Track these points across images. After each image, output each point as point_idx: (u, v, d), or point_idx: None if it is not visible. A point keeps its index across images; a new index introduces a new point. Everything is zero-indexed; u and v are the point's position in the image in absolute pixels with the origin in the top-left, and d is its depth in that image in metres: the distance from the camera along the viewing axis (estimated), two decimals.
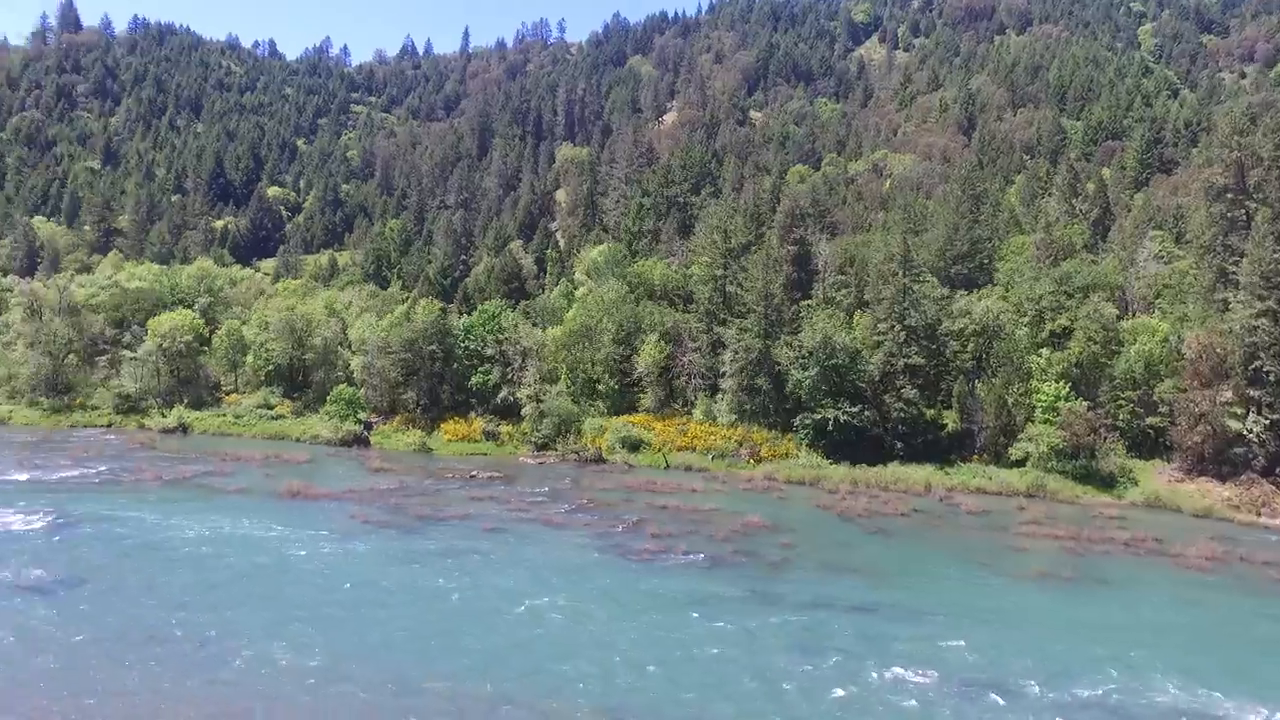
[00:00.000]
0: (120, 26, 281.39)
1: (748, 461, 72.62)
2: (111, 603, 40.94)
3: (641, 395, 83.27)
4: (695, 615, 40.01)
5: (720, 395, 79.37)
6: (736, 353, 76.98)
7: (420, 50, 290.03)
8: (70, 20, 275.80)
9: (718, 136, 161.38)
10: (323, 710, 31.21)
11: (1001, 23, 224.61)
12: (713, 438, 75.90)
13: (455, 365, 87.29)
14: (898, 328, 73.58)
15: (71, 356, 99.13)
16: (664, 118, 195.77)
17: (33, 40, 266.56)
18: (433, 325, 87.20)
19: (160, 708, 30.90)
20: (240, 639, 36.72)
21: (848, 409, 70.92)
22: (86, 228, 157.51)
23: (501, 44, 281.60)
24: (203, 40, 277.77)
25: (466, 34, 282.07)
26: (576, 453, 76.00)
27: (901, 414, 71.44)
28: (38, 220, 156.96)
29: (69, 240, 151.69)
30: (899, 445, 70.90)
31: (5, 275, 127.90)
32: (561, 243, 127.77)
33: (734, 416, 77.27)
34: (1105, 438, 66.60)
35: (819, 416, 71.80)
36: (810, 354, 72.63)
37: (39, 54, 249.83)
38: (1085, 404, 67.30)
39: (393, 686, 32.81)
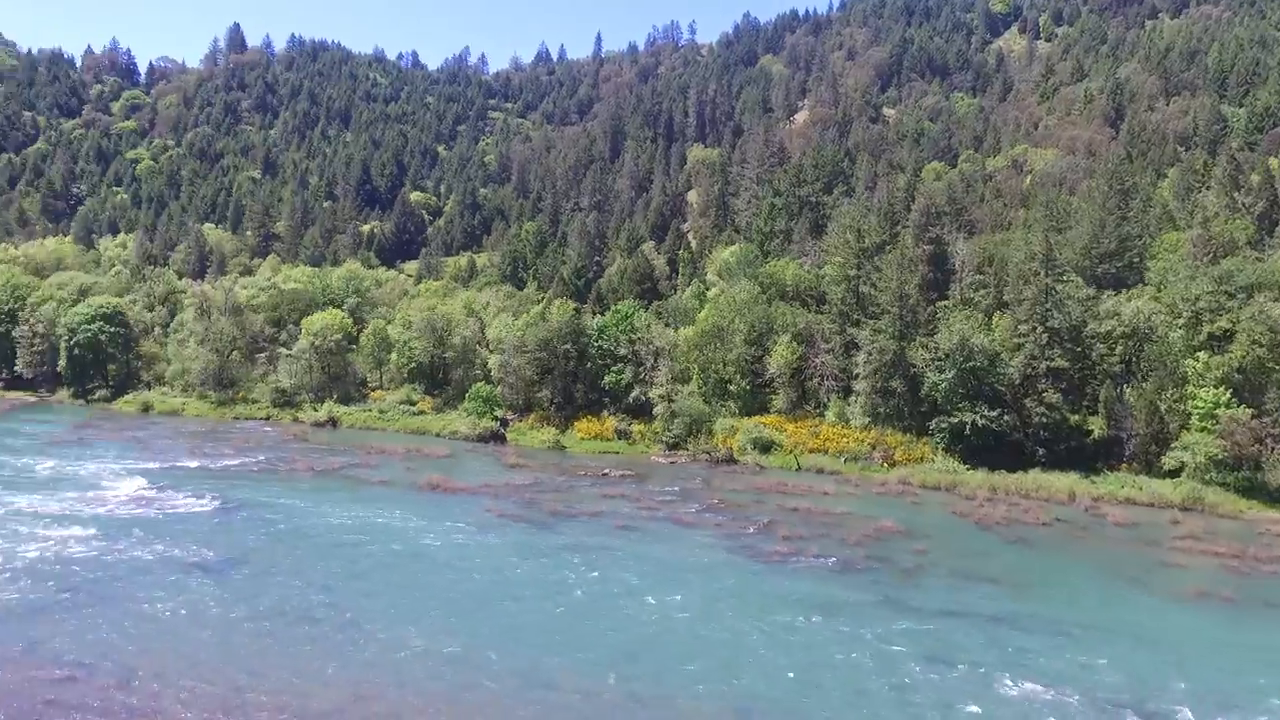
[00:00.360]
0: (280, 46, 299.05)
1: (881, 465, 71.47)
2: (265, 583, 43.76)
3: (773, 396, 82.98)
4: (825, 619, 39.81)
5: (853, 397, 78.33)
6: (870, 354, 75.81)
7: (554, 56, 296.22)
8: (237, 43, 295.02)
9: (850, 134, 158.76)
10: (455, 696, 32.32)
11: (1154, 6, 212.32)
12: (845, 440, 75.02)
13: (589, 364, 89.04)
14: (1039, 329, 70.98)
15: (235, 353, 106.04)
16: (795, 117, 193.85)
17: (205, 63, 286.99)
18: (567, 325, 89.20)
19: (305, 686, 32.62)
20: (379, 624, 38.60)
21: (986, 413, 68.88)
22: (249, 233, 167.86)
23: (633, 47, 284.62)
24: (352, 54, 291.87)
25: (599, 39, 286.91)
26: (707, 453, 76.44)
27: (1043, 419, 68.90)
28: (207, 227, 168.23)
29: (234, 245, 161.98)
30: (1040, 451, 68.39)
31: (180, 278, 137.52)
32: (693, 243, 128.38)
33: (867, 419, 76.13)
34: (1273, 448, 62.36)
35: (956, 420, 69.99)
36: (947, 356, 70.86)
37: (210, 75, 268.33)
38: (1249, 412, 63.15)
39: (522, 677, 33.76)
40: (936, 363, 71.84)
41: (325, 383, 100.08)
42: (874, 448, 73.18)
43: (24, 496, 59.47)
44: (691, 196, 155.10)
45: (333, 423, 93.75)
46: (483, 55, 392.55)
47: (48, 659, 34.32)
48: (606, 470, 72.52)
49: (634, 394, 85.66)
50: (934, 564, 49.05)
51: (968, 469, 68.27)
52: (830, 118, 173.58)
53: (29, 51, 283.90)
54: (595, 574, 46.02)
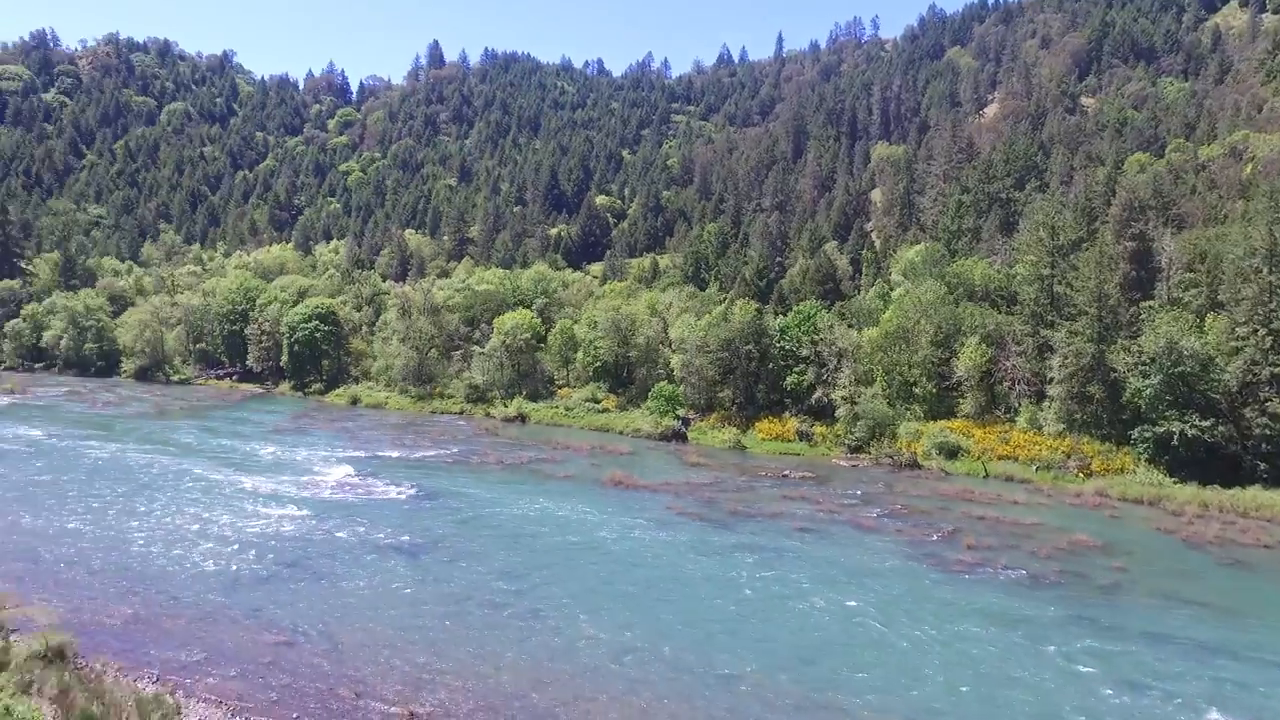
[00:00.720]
0: (475, 59, 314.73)
1: (1076, 475, 67.87)
2: (454, 568, 46.33)
3: (960, 400, 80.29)
4: (1010, 634, 38.33)
5: (1047, 403, 74.71)
6: (1066, 358, 72.09)
7: (735, 58, 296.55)
8: (436, 59, 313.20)
9: (1044, 127, 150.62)
10: (630, 688, 33.03)
11: None
12: (1037, 448, 71.71)
13: (771, 365, 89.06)
14: (1262, 332, 65.28)
15: (433, 351, 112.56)
16: (984, 110, 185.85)
17: (408, 79, 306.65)
18: (749, 325, 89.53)
19: (488, 668, 34.30)
20: (559, 613, 40.10)
21: (1197, 422, 63.97)
22: (445, 238, 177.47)
23: (815, 46, 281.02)
24: (541, 65, 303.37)
25: (780, 39, 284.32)
26: (890, 457, 74.98)
27: (1266, 430, 63.29)
28: (408, 233, 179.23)
29: (432, 249, 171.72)
30: (1262, 466, 62.83)
31: (384, 280, 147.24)
32: (877, 243, 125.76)
33: (1062, 426, 72.42)
34: None
35: (1161, 430, 65.38)
36: (1152, 360, 66.36)
37: (412, 90, 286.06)
38: None
39: (696, 673, 34.24)
40: (1140, 367, 67.44)
41: (515, 380, 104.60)
42: (1069, 456, 69.57)
43: (250, 478, 65.91)
44: (875, 195, 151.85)
45: (521, 418, 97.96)
46: (665, 60, 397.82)
47: (268, 624, 38.02)
48: (787, 472, 72.47)
49: (816, 395, 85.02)
50: (1133, 583, 46.21)
51: (1174, 482, 63.59)
52: (1022, 110, 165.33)
53: (262, 79, 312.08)
54: (772, 574, 46.13)
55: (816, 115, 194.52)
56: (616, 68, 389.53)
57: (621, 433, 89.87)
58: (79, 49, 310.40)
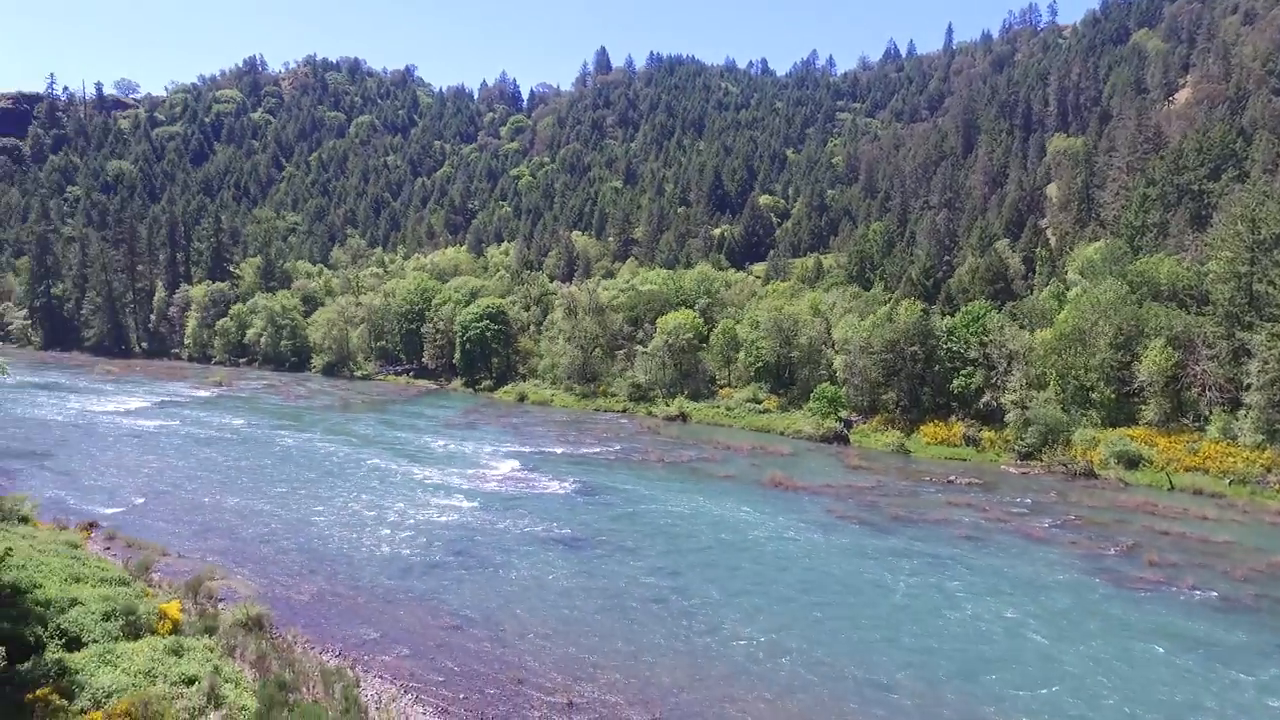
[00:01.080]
0: (640, 63, 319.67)
1: (1278, 490, 62.66)
2: (615, 562, 47.43)
3: (1142, 406, 75.47)
4: (1198, 659, 35.91)
5: (1243, 411, 69.16)
6: (1266, 362, 66.59)
7: (903, 53, 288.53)
8: (603, 64, 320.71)
9: (1244, 112, 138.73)
10: (787, 690, 32.98)
11: None
12: (1231, 460, 66.51)
13: (936, 367, 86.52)
14: None
15: (597, 350, 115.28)
16: (1174, 96, 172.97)
17: (575, 85, 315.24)
18: (914, 326, 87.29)
19: (645, 663, 35.08)
20: (717, 611, 40.49)
21: None
22: (610, 239, 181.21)
23: (987, 36, 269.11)
24: (705, 67, 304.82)
25: (950, 31, 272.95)
26: (1064, 465, 71.40)
27: None
28: (575, 234, 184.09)
29: (597, 250, 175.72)
30: None
31: (551, 280, 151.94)
32: (1052, 240, 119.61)
33: (1261, 437, 66.87)
34: None
35: None
36: None
37: (580, 95, 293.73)
38: None
39: (855, 679, 33.93)
40: None
41: (677, 379, 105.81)
42: (1269, 470, 64.18)
43: (423, 469, 69.71)
44: (1051, 190, 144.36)
45: (683, 417, 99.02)
46: (830, 57, 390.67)
47: (438, 608, 40.23)
48: (952, 477, 70.31)
49: (984, 399, 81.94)
50: None
51: None
52: (1219, 94, 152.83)
53: (440, 91, 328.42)
54: (933, 582, 45.07)
55: (988, 108, 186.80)
56: (780, 67, 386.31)
57: (782, 433, 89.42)
58: (282, 71, 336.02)
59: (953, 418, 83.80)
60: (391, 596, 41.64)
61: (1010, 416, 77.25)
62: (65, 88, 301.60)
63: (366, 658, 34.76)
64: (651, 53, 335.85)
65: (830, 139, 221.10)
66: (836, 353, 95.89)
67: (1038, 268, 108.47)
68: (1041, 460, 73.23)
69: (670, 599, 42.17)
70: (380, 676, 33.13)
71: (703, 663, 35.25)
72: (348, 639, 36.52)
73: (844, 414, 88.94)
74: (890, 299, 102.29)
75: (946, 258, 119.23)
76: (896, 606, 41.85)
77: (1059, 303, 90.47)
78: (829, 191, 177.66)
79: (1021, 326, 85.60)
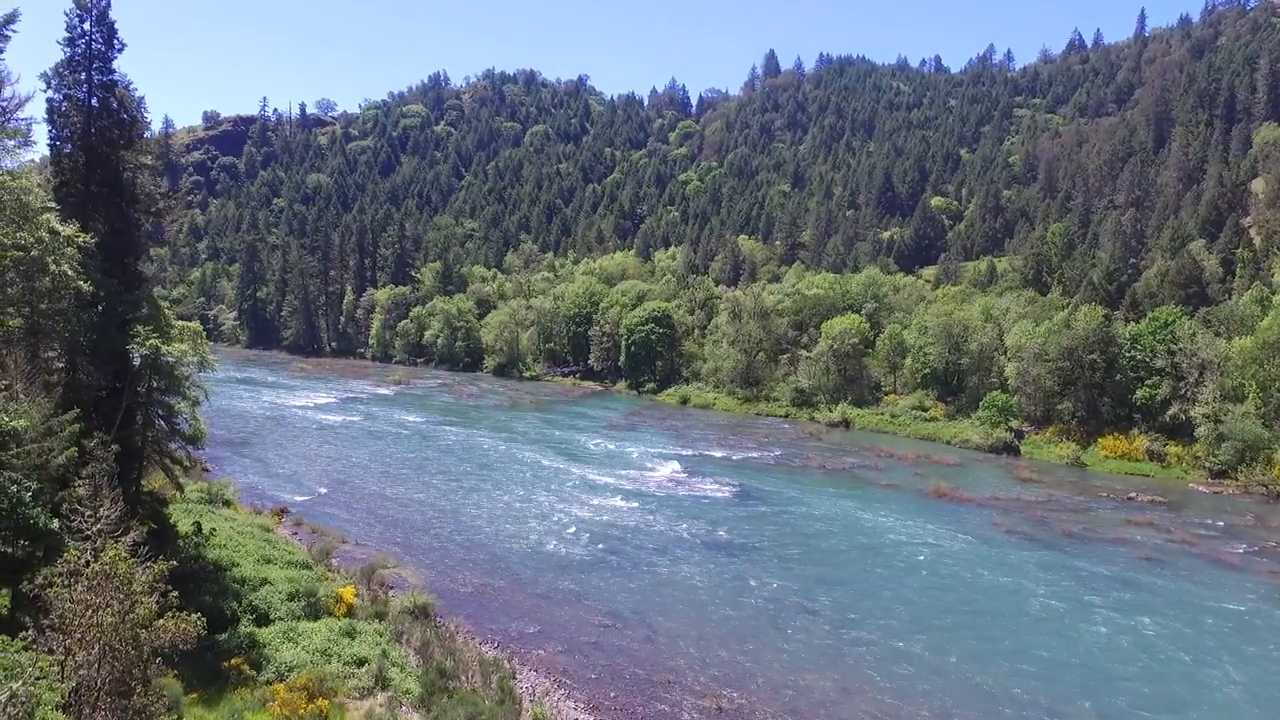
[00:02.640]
0: (809, 65, 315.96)
1: None
2: (771, 570, 47.31)
3: None
4: None
5: None
6: None
7: (1088, 43, 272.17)
8: (771, 67, 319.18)
9: None
10: (943, 713, 32.11)
11: None
12: None
13: (1118, 376, 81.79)
14: None
15: (761, 354, 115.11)
16: None
17: (744, 89, 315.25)
18: (1094, 333, 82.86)
19: (798, 672, 34.89)
20: (872, 624, 39.83)
21: None
22: (777, 243, 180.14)
23: (1185, 20, 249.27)
24: (875, 66, 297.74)
25: (1142, 17, 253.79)
26: (1264, 485, 66.05)
27: None
28: (741, 238, 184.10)
29: (764, 254, 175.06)
30: None
31: (717, 285, 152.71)
32: (1256, 240, 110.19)
33: None
34: None
35: None
36: None
37: (748, 99, 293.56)
38: None
39: (1022, 705, 32.77)
40: None
41: (841, 384, 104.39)
42: None
43: (584, 469, 71.76)
44: (1256, 185, 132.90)
45: (845, 424, 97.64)
46: (1008, 51, 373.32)
47: (594, 606, 41.36)
48: (1133, 494, 66.36)
49: (1171, 411, 76.79)
50: None
51: None
52: None
53: (610, 99, 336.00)
54: (1111, 607, 42.61)
55: (1184, 98, 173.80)
56: (955, 64, 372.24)
57: (949, 443, 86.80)
58: (463, 85, 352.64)
59: (1134, 430, 79.00)
60: (549, 592, 43.14)
61: (1201, 431, 72.15)
62: (275, 109, 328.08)
63: (523, 651, 36.11)
64: (821, 54, 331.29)
65: (1007, 137, 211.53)
66: (1008, 360, 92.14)
67: (1239, 270, 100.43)
68: (1237, 479, 68.05)
69: (824, 609, 41.82)
70: (535, 670, 34.32)
71: (855, 677, 34.72)
72: (506, 632, 38.10)
73: (1015, 424, 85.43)
74: (1069, 304, 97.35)
75: (1132, 260, 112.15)
76: (1069, 632, 39.89)
77: (1263, 308, 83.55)
78: (1005, 192, 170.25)
79: (1216, 334, 79.75)
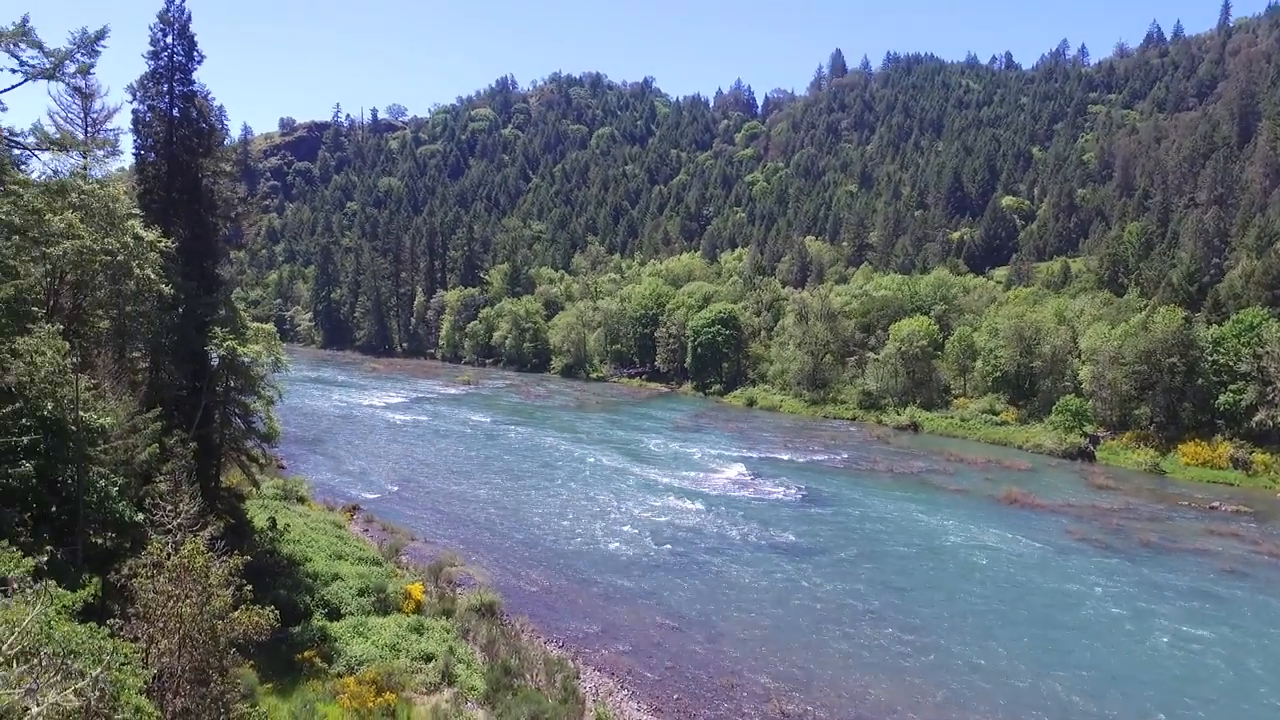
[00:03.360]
0: (876, 64, 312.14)
1: None
2: (836, 574, 46.91)
3: None
4: None
5: None
6: None
7: (1167, 36, 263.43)
8: (838, 67, 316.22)
9: None
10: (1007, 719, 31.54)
11: None
12: None
13: (1199, 381, 79.12)
14: None
15: (828, 356, 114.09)
16: None
17: (810, 89, 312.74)
18: (1174, 335, 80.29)
19: (859, 679, 34.53)
20: (937, 633, 39.16)
21: None
22: (844, 244, 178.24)
23: (1273, 8, 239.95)
24: (944, 64, 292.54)
25: (1226, 6, 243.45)
26: None
27: None
28: (808, 239, 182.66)
29: (831, 255, 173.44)
30: None
31: (783, 286, 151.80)
32: None
33: None
34: None
35: None
36: None
37: (815, 99, 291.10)
38: None
39: (1094, 715, 32.15)
40: None
41: (909, 387, 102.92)
42: None
43: (649, 470, 71.91)
44: None
45: (914, 427, 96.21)
46: (1082, 46, 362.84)
47: (657, 607, 41.47)
48: (1215, 503, 64.14)
49: (1257, 418, 73.99)
50: None
51: None
52: None
53: (676, 100, 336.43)
54: (1191, 621, 41.19)
55: (1273, 90, 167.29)
56: (1027, 60, 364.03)
57: (1020, 447, 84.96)
58: (530, 89, 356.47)
59: (1218, 437, 76.35)
60: (613, 593, 43.38)
61: None
62: (347, 115, 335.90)
63: (587, 651, 36.41)
64: (888, 53, 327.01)
65: (1081, 134, 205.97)
66: (1083, 363, 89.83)
67: None
68: None
69: (889, 615, 41.33)
70: (599, 670, 34.59)
71: (920, 685, 34.22)
72: (570, 631, 38.42)
73: (1089, 429, 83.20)
74: (1146, 305, 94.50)
75: (1215, 260, 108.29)
76: (1143, 645, 38.72)
77: None
78: (1079, 190, 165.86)
79: None
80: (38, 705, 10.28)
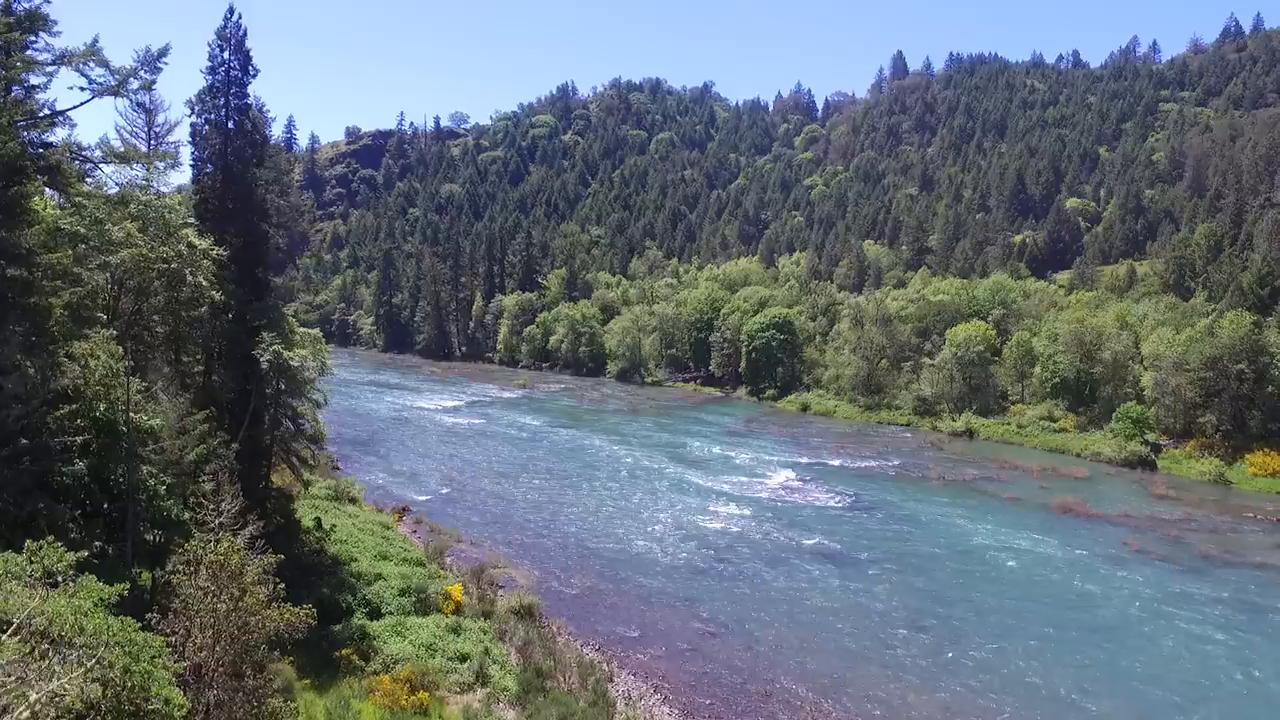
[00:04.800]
0: (938, 66, 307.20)
1: None
2: (881, 583, 46.39)
3: None
4: None
5: None
6: None
7: (1246, 29, 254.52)
8: (899, 69, 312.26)
9: None
10: None
11: None
12: None
13: (1269, 388, 76.55)
14: None
15: (883, 361, 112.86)
16: None
17: (871, 92, 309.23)
18: (1242, 341, 77.81)
19: (895, 690, 34.05)
20: (983, 644, 38.48)
21: None
22: (903, 248, 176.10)
23: None
24: (1008, 64, 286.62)
25: None
26: None
27: None
28: (867, 243, 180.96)
29: (889, 259, 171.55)
30: None
31: (840, 291, 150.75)
32: None
33: None
34: None
35: None
36: None
37: (875, 102, 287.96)
38: None
39: None
40: None
41: (965, 393, 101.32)
42: None
43: (700, 475, 71.94)
44: None
45: (969, 434, 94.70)
46: (1154, 43, 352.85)
47: (695, 613, 41.49)
48: None
49: None
50: None
51: None
52: None
53: (735, 104, 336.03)
54: (1258, 640, 39.63)
55: None
56: (1095, 58, 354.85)
57: (1078, 455, 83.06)
58: (590, 95, 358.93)
59: None
60: (654, 598, 43.52)
61: None
62: (411, 123, 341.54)
63: (622, 654, 36.63)
64: (950, 53, 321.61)
65: (1151, 133, 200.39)
66: (1145, 369, 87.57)
67: None
68: None
69: (932, 626, 40.75)
70: (633, 674, 34.77)
71: (962, 699, 33.54)
72: (608, 635, 38.68)
73: (1151, 437, 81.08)
74: (1214, 310, 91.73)
75: None
76: (1204, 665, 37.34)
77: None
78: (1148, 192, 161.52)
79: None
80: (36, 693, 10.92)
